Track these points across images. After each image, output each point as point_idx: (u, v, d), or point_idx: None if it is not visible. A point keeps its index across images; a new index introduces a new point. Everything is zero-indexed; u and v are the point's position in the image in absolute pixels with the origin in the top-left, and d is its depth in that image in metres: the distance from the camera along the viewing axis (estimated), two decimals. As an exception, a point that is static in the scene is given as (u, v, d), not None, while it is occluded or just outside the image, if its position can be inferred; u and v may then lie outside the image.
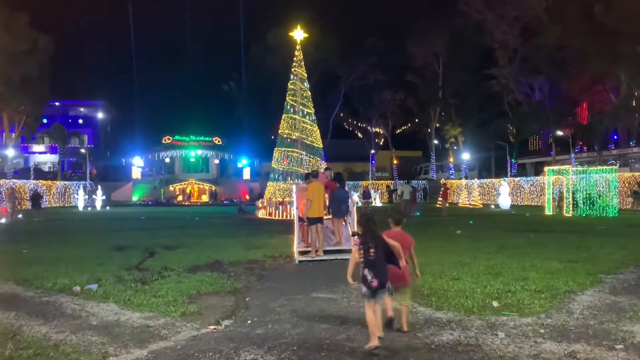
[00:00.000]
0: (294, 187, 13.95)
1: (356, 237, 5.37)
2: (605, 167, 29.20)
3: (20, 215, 28.64)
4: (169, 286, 8.11)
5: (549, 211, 28.24)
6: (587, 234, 16.12)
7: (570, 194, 26.92)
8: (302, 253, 11.17)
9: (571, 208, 26.76)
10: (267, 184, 29.79)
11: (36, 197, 29.47)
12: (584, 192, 27.04)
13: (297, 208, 11.88)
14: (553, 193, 28.77)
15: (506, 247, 12.79)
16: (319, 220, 11.14)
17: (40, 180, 45.79)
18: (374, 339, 4.99)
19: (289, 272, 9.78)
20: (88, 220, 27.22)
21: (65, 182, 48.63)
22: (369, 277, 5.08)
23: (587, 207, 26.59)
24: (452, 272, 9.14)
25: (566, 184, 27.41)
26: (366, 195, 30.76)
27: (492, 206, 36.93)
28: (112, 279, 8.77)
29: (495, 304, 6.72)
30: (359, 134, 68.02)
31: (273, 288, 8.15)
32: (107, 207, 40.50)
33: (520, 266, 9.77)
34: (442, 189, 29.69)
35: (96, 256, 11.67)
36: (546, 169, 30.28)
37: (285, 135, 28.00)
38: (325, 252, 11.27)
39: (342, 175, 13.27)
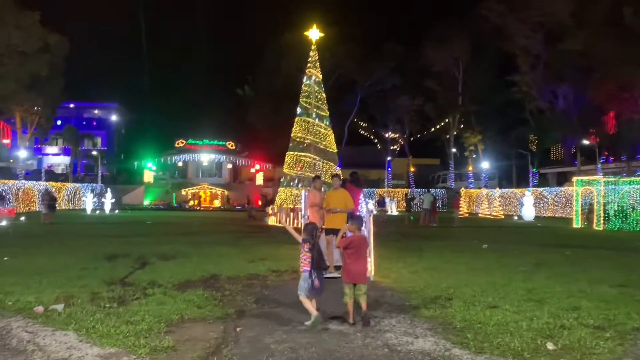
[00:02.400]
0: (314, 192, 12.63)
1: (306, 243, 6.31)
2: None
3: (23, 218, 27.71)
4: (148, 308, 6.79)
5: (577, 224, 26.57)
6: (627, 252, 14.55)
7: (602, 206, 25.22)
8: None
9: (602, 221, 25.05)
10: (278, 190, 28.50)
11: (50, 199, 28.23)
12: (616, 205, 25.35)
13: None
14: (582, 205, 27.04)
15: (542, 265, 11.30)
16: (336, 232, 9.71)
17: (51, 182, 45.03)
18: (313, 312, 6.12)
19: (294, 292, 8.36)
20: (92, 224, 26.16)
21: (76, 185, 47.83)
22: (313, 277, 6.21)
23: (619, 221, 24.89)
24: (487, 298, 7.71)
25: (596, 195, 25.72)
26: (381, 203, 29.25)
27: (515, 217, 35.22)
28: (86, 297, 7.49)
29: (550, 345, 5.28)
30: (375, 141, 66.46)
31: (272, 314, 6.78)
32: (116, 211, 39.54)
33: (565, 291, 8.30)
34: (455, 197, 27.95)
35: (81, 266, 10.42)
36: (574, 179, 28.62)
37: (298, 139, 26.69)
38: (336, 267, 9.87)
39: (357, 174, 11.85)
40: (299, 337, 5.65)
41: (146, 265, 10.92)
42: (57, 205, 28.44)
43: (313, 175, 25.37)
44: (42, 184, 42.65)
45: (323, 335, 5.72)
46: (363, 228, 11.02)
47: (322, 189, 12.74)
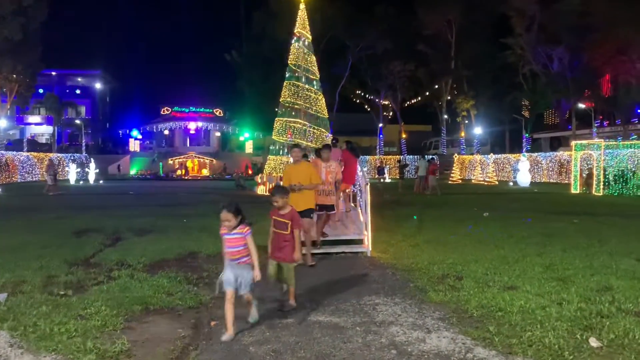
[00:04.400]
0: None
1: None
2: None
3: (-1, 190, 26.47)
4: (108, 296, 5.75)
5: (575, 189, 25.75)
6: (636, 218, 13.66)
7: (602, 171, 24.36)
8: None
9: (602, 186, 24.23)
10: (268, 158, 27.34)
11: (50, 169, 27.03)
12: (616, 169, 24.53)
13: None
14: (581, 170, 26.18)
15: (552, 235, 10.35)
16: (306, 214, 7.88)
17: (32, 153, 43.51)
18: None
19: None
20: (72, 195, 24.91)
21: (59, 155, 46.31)
22: None
23: (619, 186, 24.09)
24: (501, 276, 6.74)
25: (596, 159, 24.84)
26: (380, 171, 28.01)
27: (510, 183, 34.37)
28: (39, 282, 6.43)
29: (593, 342, 4.31)
30: (367, 107, 65.01)
31: (255, 303, 5.75)
32: (101, 181, 38.22)
33: (587, 266, 7.35)
34: (431, 163, 25.88)
35: (44, 244, 9.32)
36: (573, 143, 27.67)
37: (287, 104, 25.36)
38: (327, 242, 8.84)
39: (353, 144, 10.83)
40: (286, 334, 4.64)
41: (119, 241, 9.86)
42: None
43: (305, 142, 24.37)
44: (23, 154, 41.23)
45: (314, 331, 4.70)
46: (359, 198, 10.06)
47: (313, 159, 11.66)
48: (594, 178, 24.73)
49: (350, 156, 10.67)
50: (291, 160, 7.93)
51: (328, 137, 24.75)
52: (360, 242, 8.89)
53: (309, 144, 24.04)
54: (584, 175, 26.24)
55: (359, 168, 10.39)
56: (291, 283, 5.49)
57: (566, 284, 6.31)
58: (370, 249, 8.52)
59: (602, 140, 28.51)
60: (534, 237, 10.13)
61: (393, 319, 5.06)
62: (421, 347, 4.27)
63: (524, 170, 32.82)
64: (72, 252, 8.55)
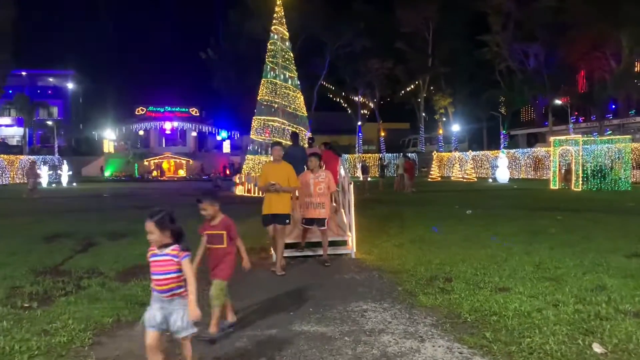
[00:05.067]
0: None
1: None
2: (618, 137, 26.89)
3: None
4: (76, 308, 5.34)
5: (554, 185, 25.85)
6: (620, 214, 13.64)
7: (580, 167, 24.49)
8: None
9: (580, 182, 24.36)
10: (246, 157, 26.91)
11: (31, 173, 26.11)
12: (594, 165, 24.69)
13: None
14: (560, 166, 26.30)
15: (538, 233, 10.19)
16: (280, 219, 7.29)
17: (2, 155, 42.23)
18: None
19: (263, 278, 6.99)
20: (43, 198, 24.13)
21: (30, 157, 45.05)
22: None
23: (598, 181, 24.25)
24: (492, 277, 6.50)
25: (574, 155, 24.97)
26: (365, 169, 27.70)
27: (490, 180, 34.49)
28: (1, 294, 5.98)
29: (597, 347, 4.06)
30: (345, 105, 64.80)
31: (235, 312, 5.40)
32: (74, 184, 37.28)
33: (578, 265, 7.17)
34: (406, 161, 25.60)
35: (11, 250, 8.82)
36: (552, 139, 27.81)
37: (265, 102, 24.98)
38: (309, 244, 8.49)
39: (331, 144, 10.58)
40: (270, 347, 4.29)
41: (90, 247, 9.39)
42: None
43: (284, 141, 23.95)
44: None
45: (300, 343, 4.37)
46: (341, 198, 9.75)
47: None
48: (573, 173, 24.86)
49: (332, 155, 10.37)
50: (271, 158, 7.50)
51: (307, 135, 24.43)
52: (344, 243, 8.58)
53: (288, 142, 23.69)
54: (563, 170, 26.38)
55: (340, 168, 10.08)
56: (216, 304, 4.51)
57: (559, 284, 6.09)
58: (355, 250, 8.22)
59: (580, 135, 28.69)
60: (519, 235, 9.95)
61: (383, 326, 4.75)
62: (416, 359, 3.97)
63: (502, 166, 32.95)
64: (40, 259, 8.08)
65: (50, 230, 11.47)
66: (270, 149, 7.36)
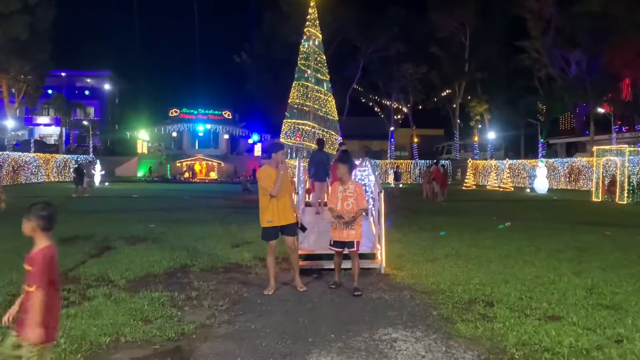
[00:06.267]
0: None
1: None
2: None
3: None
4: (74, 324, 4.84)
5: (596, 197, 24.57)
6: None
7: (626, 178, 23.19)
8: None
9: (626, 194, 23.05)
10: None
11: (79, 172, 26.34)
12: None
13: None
14: (604, 177, 24.99)
15: (586, 250, 9.32)
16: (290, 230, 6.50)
17: (38, 154, 42.94)
18: None
19: (281, 293, 6.38)
20: (73, 198, 24.16)
21: (65, 156, 45.75)
22: None
23: (645, 194, 22.90)
24: (539, 302, 5.74)
25: (620, 166, 23.66)
26: (397, 176, 26.81)
27: (527, 190, 33.20)
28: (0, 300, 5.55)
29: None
30: (378, 111, 63.98)
31: (247, 334, 4.80)
32: (106, 183, 37.51)
33: (637, 290, 6.35)
34: (434, 170, 24.42)
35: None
36: (595, 148, 26.50)
37: (296, 106, 24.55)
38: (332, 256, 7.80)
39: (348, 152, 10.11)
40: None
41: (107, 250, 8.98)
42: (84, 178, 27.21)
43: (314, 145, 23.36)
44: (29, 155, 40.62)
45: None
46: (372, 207, 9.09)
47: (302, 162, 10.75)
48: (618, 185, 23.56)
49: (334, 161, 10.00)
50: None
51: (338, 140, 23.83)
52: (372, 256, 7.88)
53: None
54: (606, 182, 25.07)
55: (360, 172, 9.44)
56: None
57: (619, 314, 5.31)
58: (384, 264, 7.55)
59: (626, 145, 27.26)
60: (566, 252, 9.11)
61: (416, 361, 4.09)
62: (455, 408, 3.30)
63: (541, 176, 31.67)
64: (52, 263, 7.67)
65: (70, 231, 11.11)
66: (275, 151, 6.41)
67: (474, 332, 4.76)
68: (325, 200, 10.60)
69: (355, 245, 6.40)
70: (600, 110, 45.68)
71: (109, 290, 6.18)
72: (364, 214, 7.86)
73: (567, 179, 36.61)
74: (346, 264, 6.82)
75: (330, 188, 10.49)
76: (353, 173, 7.26)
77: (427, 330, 4.86)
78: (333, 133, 24.23)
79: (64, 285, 6.35)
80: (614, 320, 5.09)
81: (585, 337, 4.58)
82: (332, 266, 6.88)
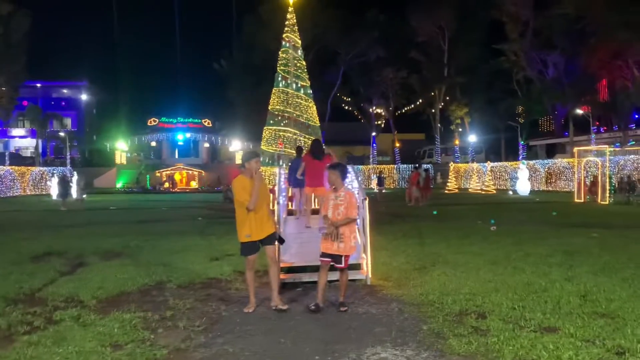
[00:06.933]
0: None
1: None
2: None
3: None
4: (36, 352, 4.45)
5: (578, 198, 24.62)
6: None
7: (607, 179, 23.27)
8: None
9: (607, 195, 23.12)
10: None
11: (64, 183, 25.58)
12: (622, 177, 23.47)
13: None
14: (585, 177, 25.09)
15: (574, 253, 9.13)
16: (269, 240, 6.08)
17: (13, 167, 41.90)
18: None
19: (264, 310, 6.02)
20: (48, 211, 23.47)
21: (41, 169, 44.73)
22: None
23: (627, 194, 23.00)
24: (533, 312, 5.48)
25: (601, 166, 23.76)
26: (381, 181, 26.64)
27: (510, 192, 33.25)
28: (-44, 329, 5.12)
29: None
30: (359, 116, 63.96)
31: (225, 358, 4.45)
32: (84, 196, 36.63)
33: (632, 295, 6.15)
34: (413, 174, 24.22)
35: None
36: (576, 149, 26.63)
37: (276, 112, 24.23)
38: (315, 267, 7.45)
39: (319, 140, 10.14)
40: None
41: (79, 268, 8.53)
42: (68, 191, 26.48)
43: (295, 151, 23.07)
44: (4, 169, 39.58)
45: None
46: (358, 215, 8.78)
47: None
48: (599, 186, 23.64)
49: (310, 159, 9.91)
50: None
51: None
52: (357, 267, 7.55)
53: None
54: (587, 183, 25.17)
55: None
56: None
57: (616, 323, 5.07)
58: (370, 275, 7.24)
59: (606, 146, 27.43)
60: (555, 256, 8.90)
61: (407, 384, 3.78)
62: None
63: (523, 178, 31.75)
64: (19, 283, 7.25)
65: (41, 247, 10.64)
66: (248, 160, 5.97)
67: (467, 348, 4.48)
68: (306, 207, 10.34)
69: (342, 261, 5.88)
70: (579, 111, 46.19)
71: (78, 312, 5.77)
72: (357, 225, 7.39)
73: (548, 180, 36.78)
74: (332, 276, 6.44)
75: (304, 195, 10.32)
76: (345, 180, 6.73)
77: (417, 348, 4.55)
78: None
79: (29, 308, 5.94)
80: (612, 330, 4.85)
81: (585, 350, 4.32)
82: (315, 279, 6.34)
